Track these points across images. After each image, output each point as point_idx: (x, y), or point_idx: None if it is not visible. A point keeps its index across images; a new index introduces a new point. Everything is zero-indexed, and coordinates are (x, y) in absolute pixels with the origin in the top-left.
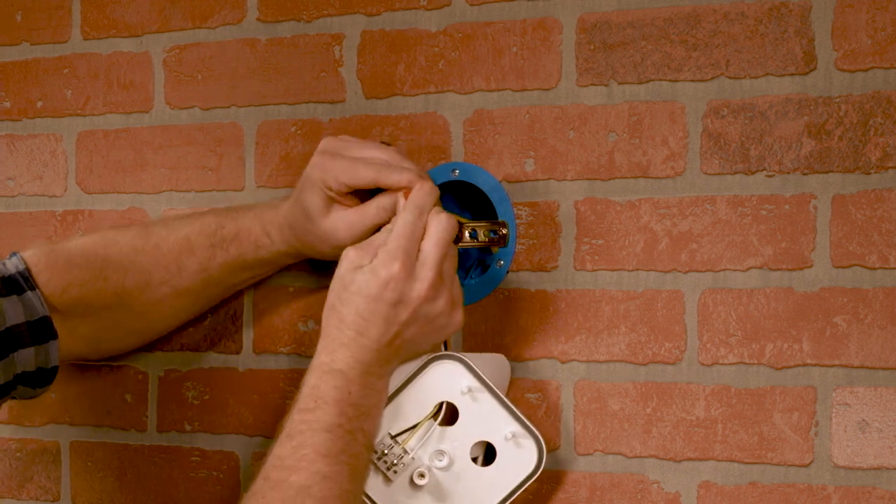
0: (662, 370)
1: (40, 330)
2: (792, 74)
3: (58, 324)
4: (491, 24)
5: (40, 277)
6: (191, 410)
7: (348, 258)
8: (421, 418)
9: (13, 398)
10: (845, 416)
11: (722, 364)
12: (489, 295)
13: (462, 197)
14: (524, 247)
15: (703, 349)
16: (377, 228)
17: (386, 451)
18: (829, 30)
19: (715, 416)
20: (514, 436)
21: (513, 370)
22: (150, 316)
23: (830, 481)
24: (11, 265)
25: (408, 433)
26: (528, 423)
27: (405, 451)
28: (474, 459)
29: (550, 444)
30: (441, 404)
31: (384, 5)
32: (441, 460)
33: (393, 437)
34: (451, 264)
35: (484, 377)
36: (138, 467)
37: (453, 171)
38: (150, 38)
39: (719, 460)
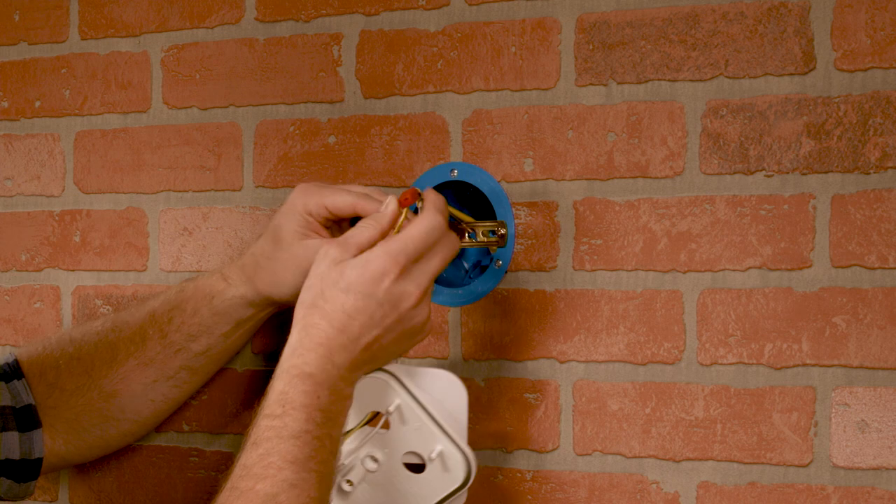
0: (661, 370)
1: (25, 417)
2: (791, 74)
3: (40, 415)
4: (490, 23)
5: (24, 367)
6: (189, 410)
7: (329, 255)
8: (354, 426)
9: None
10: (845, 417)
11: (721, 364)
12: (488, 295)
13: (461, 197)
14: (523, 247)
15: (703, 349)
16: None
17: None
18: (828, 30)
19: (714, 417)
20: (440, 455)
21: (512, 370)
22: (121, 396)
23: (830, 481)
24: (1, 358)
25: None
26: (457, 441)
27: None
28: (416, 466)
29: (549, 445)
30: (375, 413)
31: (383, 5)
32: (373, 464)
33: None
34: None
35: (414, 394)
36: (137, 467)
37: (452, 171)
38: (148, 37)
39: (718, 460)
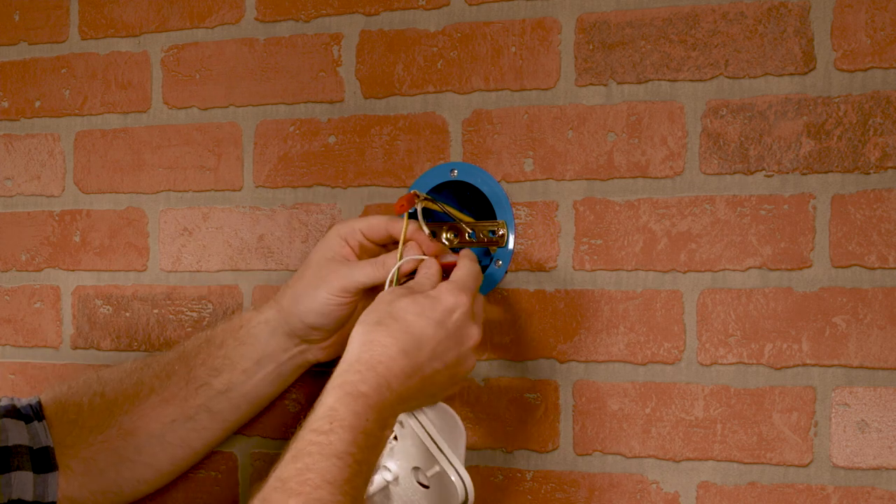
0: (661, 370)
1: (42, 459)
2: (791, 74)
3: (59, 457)
4: (490, 23)
5: (48, 408)
6: None
7: (394, 292)
8: None
9: None
10: (844, 417)
11: (721, 364)
12: (488, 295)
13: (461, 197)
14: (523, 247)
15: (703, 349)
16: (368, 288)
17: None
18: (828, 30)
19: (714, 417)
20: (437, 475)
21: (512, 370)
22: (139, 435)
23: (830, 481)
24: (26, 400)
25: None
26: (455, 465)
27: None
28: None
29: (549, 445)
30: None
31: (383, 5)
32: (389, 474)
33: None
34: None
35: (415, 413)
36: None
37: (452, 171)
38: (148, 37)
39: (718, 460)
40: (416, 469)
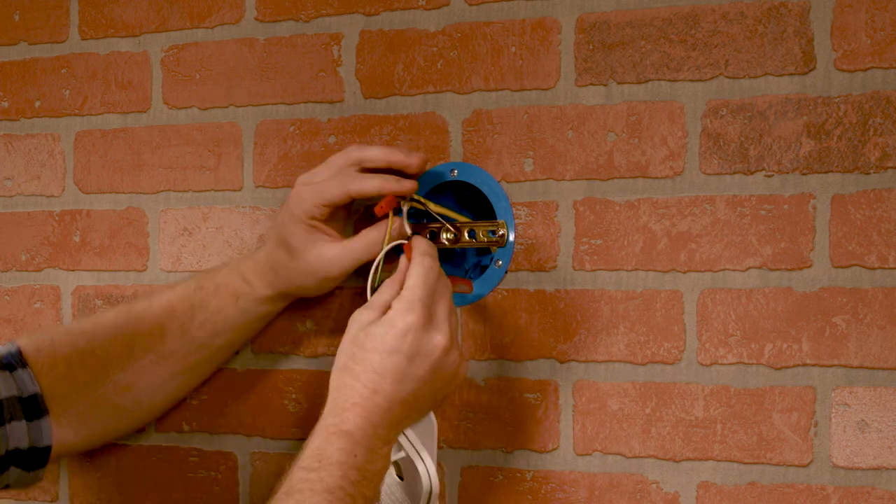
0: (661, 370)
1: (32, 406)
2: (791, 74)
3: (48, 404)
4: (490, 23)
5: (29, 358)
6: (189, 411)
7: (358, 320)
8: None
9: (8, 486)
10: (844, 417)
11: (721, 364)
12: (487, 295)
13: (461, 197)
14: (523, 247)
15: (703, 349)
16: (365, 263)
17: None
18: (828, 30)
19: (714, 417)
20: (405, 461)
21: (512, 370)
22: (137, 389)
23: (830, 481)
24: (3, 349)
25: None
26: (419, 452)
27: None
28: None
29: (549, 445)
30: None
31: (383, 5)
32: None
33: None
34: (455, 318)
35: None
36: (137, 467)
37: (452, 171)
38: (148, 37)
39: (718, 460)
40: (393, 463)
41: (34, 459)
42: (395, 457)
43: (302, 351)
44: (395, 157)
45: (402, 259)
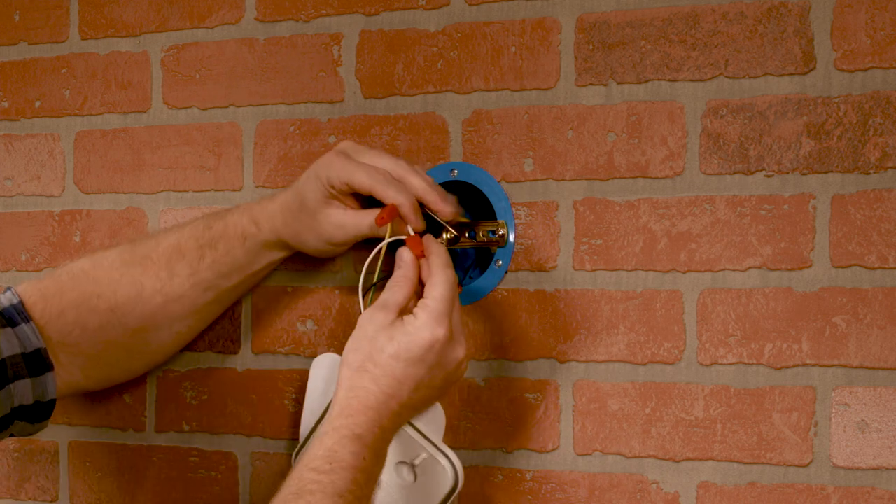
0: (661, 370)
1: (36, 362)
2: (791, 74)
3: (54, 355)
4: (490, 23)
5: (35, 309)
6: (189, 411)
7: (374, 320)
8: None
9: (12, 435)
10: (844, 417)
11: (721, 364)
12: (488, 295)
13: (461, 197)
14: (523, 247)
15: (703, 349)
16: (365, 239)
17: None
18: (828, 30)
19: (714, 417)
20: (424, 462)
21: (512, 370)
22: (146, 331)
23: (830, 481)
24: (5, 299)
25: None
26: (440, 447)
27: None
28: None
29: (549, 445)
30: None
31: (383, 5)
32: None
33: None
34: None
35: None
36: (136, 467)
37: (452, 171)
38: (148, 37)
39: (718, 460)
40: (400, 464)
41: (38, 412)
42: (417, 460)
43: (302, 351)
44: (432, 196)
45: (406, 254)
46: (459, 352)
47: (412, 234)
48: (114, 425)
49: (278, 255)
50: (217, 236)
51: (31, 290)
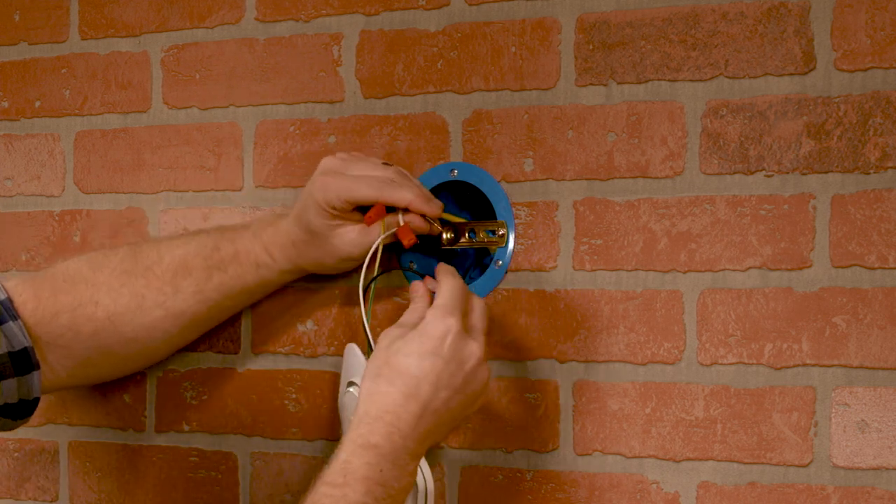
0: (661, 370)
1: (22, 361)
2: (791, 74)
3: (42, 354)
4: (490, 24)
5: (25, 307)
6: (189, 410)
7: (390, 335)
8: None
9: None
10: (845, 417)
11: (721, 364)
12: (488, 295)
13: (461, 197)
14: (523, 247)
15: (703, 349)
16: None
17: None
18: (828, 30)
19: (714, 417)
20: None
21: (512, 370)
22: (141, 341)
23: (830, 481)
24: None
25: None
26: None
27: None
28: None
29: (549, 445)
30: None
31: (383, 5)
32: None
33: None
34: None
35: None
36: (136, 467)
37: (452, 171)
38: (148, 37)
39: (718, 460)
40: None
41: (22, 410)
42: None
43: (302, 351)
44: (419, 204)
45: (420, 287)
46: (474, 346)
47: (402, 223)
48: (114, 425)
49: (293, 277)
50: (227, 259)
51: (22, 287)
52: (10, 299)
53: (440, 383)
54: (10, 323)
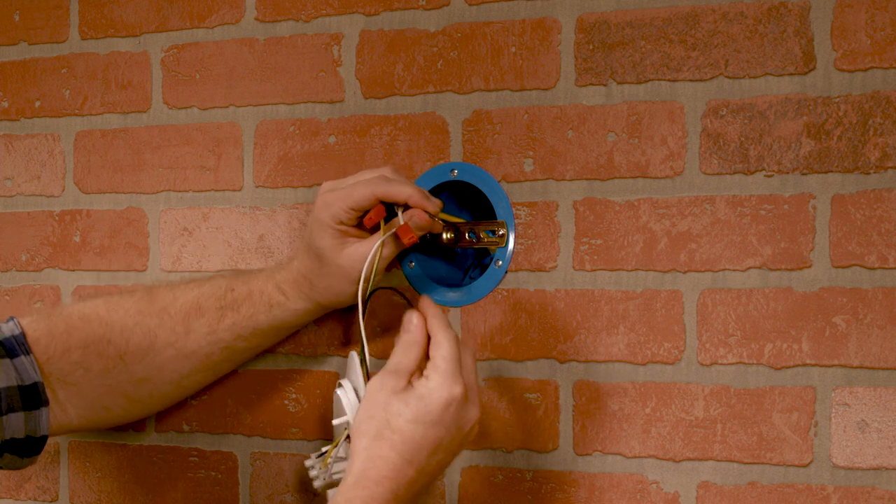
0: (661, 370)
1: (31, 396)
2: (791, 74)
3: (52, 392)
4: (490, 23)
5: (38, 343)
6: (189, 411)
7: (386, 385)
8: (339, 437)
9: (0, 468)
10: (845, 417)
11: (721, 364)
12: (488, 295)
13: (461, 197)
14: (523, 247)
15: (703, 349)
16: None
17: (314, 473)
18: (828, 30)
19: (714, 416)
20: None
21: (512, 370)
22: (153, 381)
23: (830, 481)
24: (7, 329)
25: (327, 452)
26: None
27: (328, 469)
28: None
29: (549, 445)
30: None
31: (383, 5)
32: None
33: (318, 457)
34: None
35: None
36: (137, 467)
37: (452, 171)
38: (148, 37)
39: (718, 460)
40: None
41: (29, 447)
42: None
43: (302, 351)
44: (418, 199)
45: (414, 318)
46: (474, 413)
47: (402, 222)
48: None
49: (309, 318)
50: (241, 299)
51: (36, 324)
52: (24, 334)
53: (438, 449)
54: (23, 357)
